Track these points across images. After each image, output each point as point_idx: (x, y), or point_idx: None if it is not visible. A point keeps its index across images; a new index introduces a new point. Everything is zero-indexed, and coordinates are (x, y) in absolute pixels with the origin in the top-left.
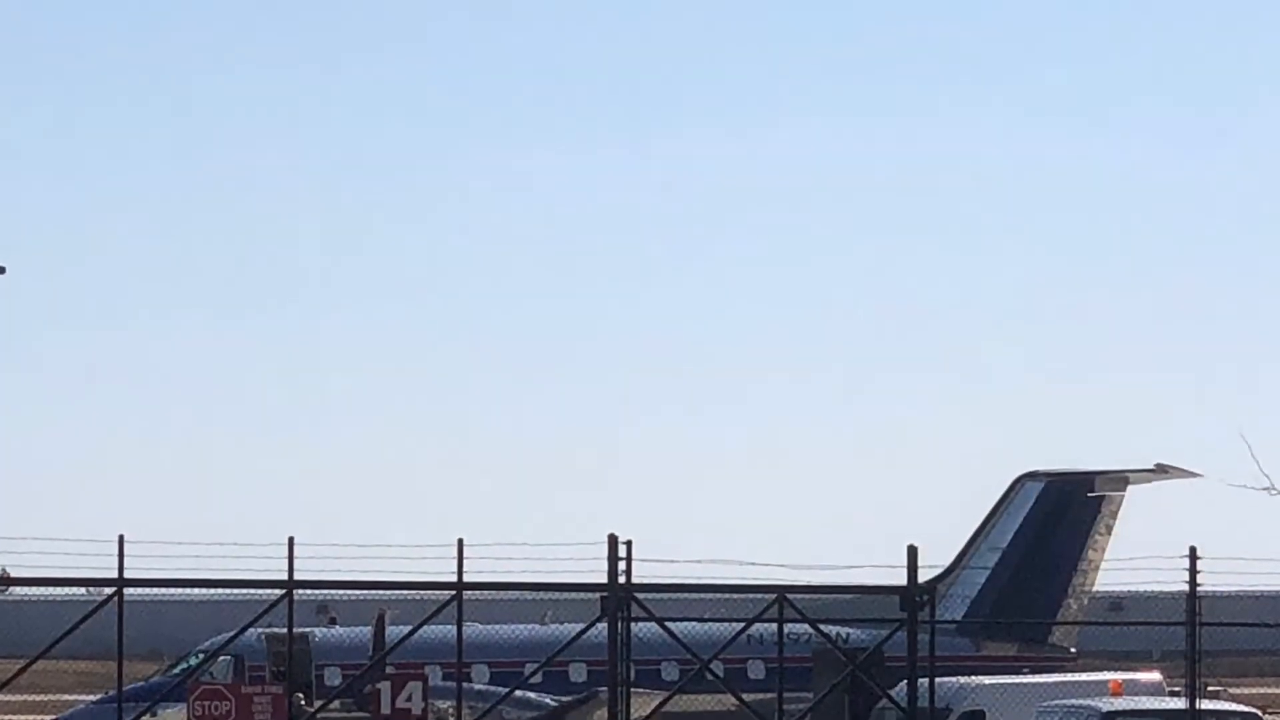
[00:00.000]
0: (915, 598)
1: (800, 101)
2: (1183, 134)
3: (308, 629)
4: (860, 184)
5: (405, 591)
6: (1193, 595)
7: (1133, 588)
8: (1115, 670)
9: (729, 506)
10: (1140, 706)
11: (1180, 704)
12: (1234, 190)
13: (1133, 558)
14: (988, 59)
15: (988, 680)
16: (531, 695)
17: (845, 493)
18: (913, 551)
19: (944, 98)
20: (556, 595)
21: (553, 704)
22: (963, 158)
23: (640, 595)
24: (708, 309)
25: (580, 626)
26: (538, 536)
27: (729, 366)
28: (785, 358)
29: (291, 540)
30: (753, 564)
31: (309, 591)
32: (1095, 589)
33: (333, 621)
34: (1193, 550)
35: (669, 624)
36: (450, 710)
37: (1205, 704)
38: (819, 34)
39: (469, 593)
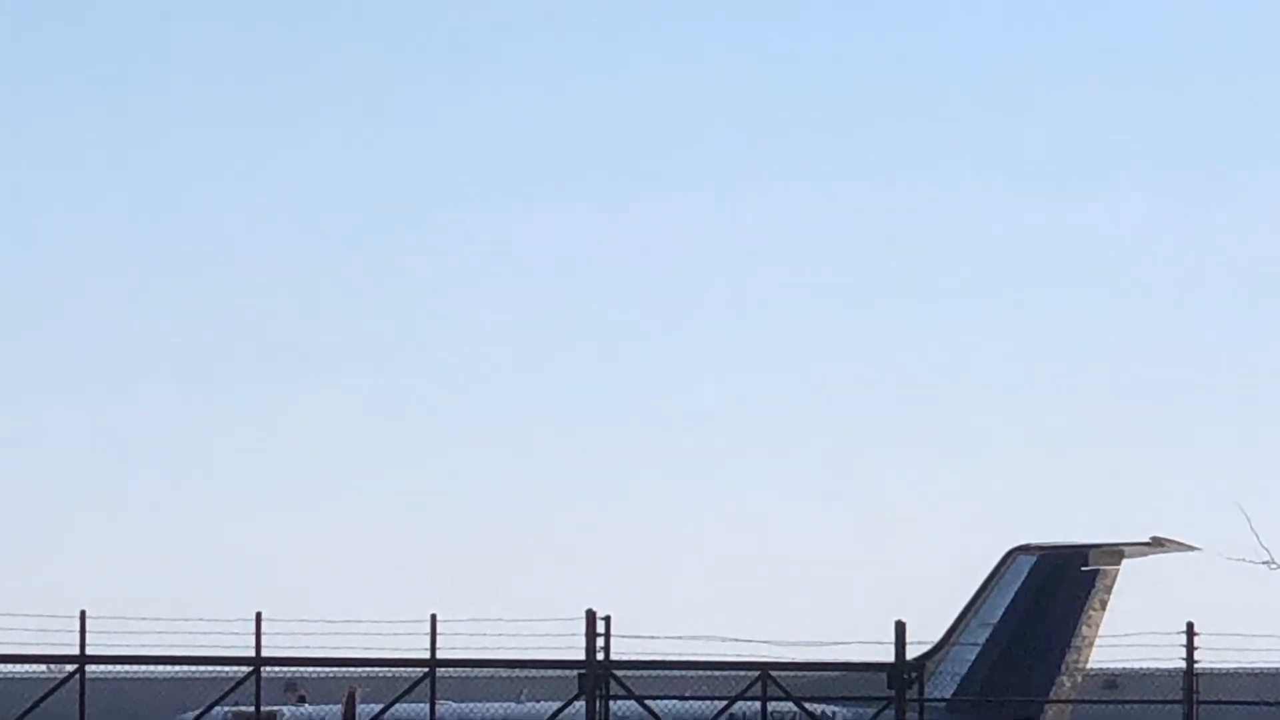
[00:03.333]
0: (903, 675)
1: (784, 165)
2: (1176, 199)
3: (276, 707)
4: (846, 249)
5: (377, 669)
6: (1190, 672)
7: (1128, 665)
8: None
9: (710, 580)
10: None
11: None
12: (1229, 254)
13: (1128, 634)
14: (975, 123)
15: None
16: None
17: (831, 566)
18: (900, 627)
19: (931, 162)
20: (533, 672)
21: None
22: (951, 224)
23: (619, 672)
24: (689, 377)
25: (558, 705)
26: (513, 612)
27: (711, 435)
28: (769, 426)
29: (259, 616)
30: (735, 640)
31: (277, 668)
32: (1089, 666)
33: (301, 700)
34: (1190, 626)
35: (649, 702)
36: None
37: None
38: (803, 95)
39: (442, 670)
